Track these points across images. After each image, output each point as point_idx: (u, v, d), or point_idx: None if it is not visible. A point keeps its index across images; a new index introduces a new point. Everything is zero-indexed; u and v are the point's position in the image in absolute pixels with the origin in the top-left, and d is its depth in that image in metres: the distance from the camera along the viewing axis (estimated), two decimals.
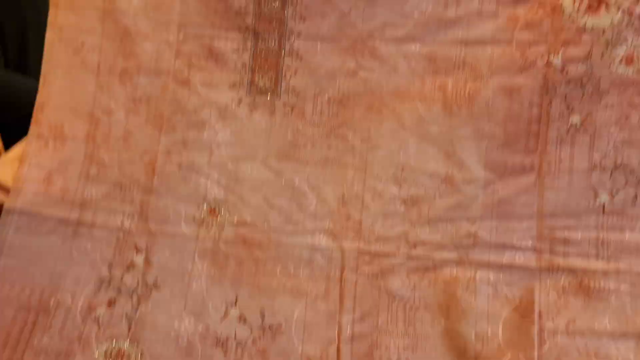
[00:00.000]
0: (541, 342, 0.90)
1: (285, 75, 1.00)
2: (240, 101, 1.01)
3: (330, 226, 0.96)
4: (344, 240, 0.95)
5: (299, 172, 0.98)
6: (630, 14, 0.97)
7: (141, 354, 0.88)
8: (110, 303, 0.90)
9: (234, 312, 0.92)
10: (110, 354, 0.89)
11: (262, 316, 0.92)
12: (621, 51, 0.97)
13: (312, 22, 0.98)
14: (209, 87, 1.02)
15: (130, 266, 0.94)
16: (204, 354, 0.89)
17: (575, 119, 0.97)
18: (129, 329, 0.89)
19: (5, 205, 0.93)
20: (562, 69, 0.97)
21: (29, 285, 0.90)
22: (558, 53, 0.97)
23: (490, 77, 0.98)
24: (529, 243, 0.93)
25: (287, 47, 1.01)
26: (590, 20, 0.98)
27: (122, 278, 0.93)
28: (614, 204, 0.94)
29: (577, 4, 0.99)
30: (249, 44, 1.01)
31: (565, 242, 0.93)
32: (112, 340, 0.89)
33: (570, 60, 0.97)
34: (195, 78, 1.02)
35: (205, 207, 0.98)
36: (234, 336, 0.90)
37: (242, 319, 0.91)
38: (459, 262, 0.93)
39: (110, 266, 0.93)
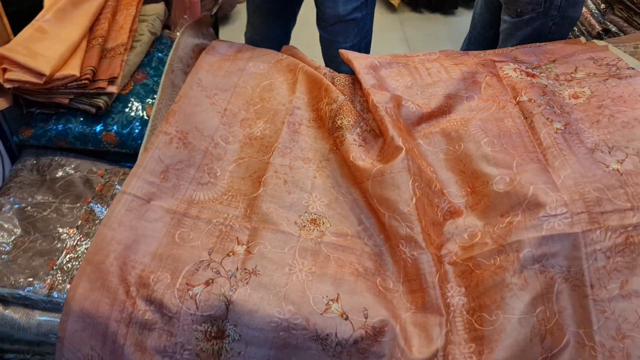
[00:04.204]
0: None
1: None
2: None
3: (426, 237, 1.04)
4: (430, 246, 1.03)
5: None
6: (556, 79, 1.30)
7: (240, 336, 0.91)
8: (208, 283, 0.94)
9: (335, 307, 0.94)
10: (210, 334, 0.93)
11: (365, 315, 0.94)
12: (566, 93, 1.24)
13: None
14: (315, 139, 1.25)
15: (231, 253, 1.01)
16: (302, 346, 0.92)
17: (558, 125, 1.15)
18: (227, 310, 0.91)
19: (122, 187, 1.05)
20: (530, 100, 1.21)
21: (131, 261, 0.97)
22: (521, 95, 1.23)
23: (476, 114, 1.24)
24: (564, 210, 1.00)
25: None
26: (532, 80, 1.28)
27: (221, 262, 0.99)
28: (625, 166, 1.04)
29: (517, 73, 1.31)
30: None
31: (598, 201, 1.00)
32: (211, 321, 0.92)
33: (533, 95, 1.22)
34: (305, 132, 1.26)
35: (307, 217, 1.09)
36: (335, 333, 0.91)
37: (344, 315, 0.93)
38: (500, 251, 1.00)
39: (210, 252, 1.01)
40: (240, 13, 3.05)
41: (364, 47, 1.74)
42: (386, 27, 3.17)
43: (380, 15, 3.28)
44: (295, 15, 1.85)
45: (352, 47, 1.65)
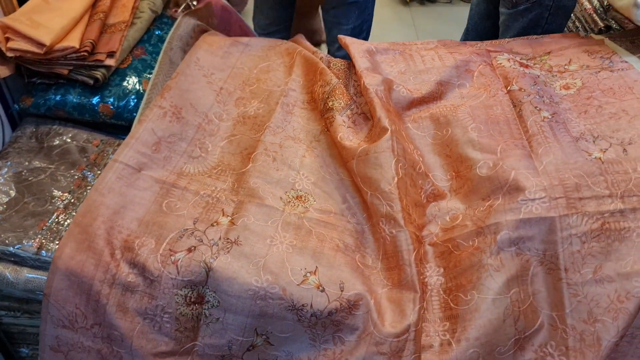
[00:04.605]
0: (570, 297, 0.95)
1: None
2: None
3: (405, 216, 1.05)
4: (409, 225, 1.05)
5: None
6: (549, 70, 1.30)
7: (218, 303, 0.94)
8: (190, 250, 0.97)
9: (313, 279, 0.96)
10: (190, 298, 0.96)
11: (342, 289, 0.97)
12: (557, 84, 1.24)
13: None
14: (308, 120, 1.27)
15: (215, 223, 1.03)
16: (278, 315, 0.94)
17: (545, 113, 1.15)
18: (207, 276, 0.94)
19: (114, 156, 1.08)
20: (520, 89, 1.21)
21: (118, 226, 1.00)
22: (512, 84, 1.23)
23: (466, 101, 1.25)
24: (542, 194, 1.01)
25: None
26: (525, 70, 1.28)
27: (205, 231, 1.01)
28: (607, 155, 1.05)
29: (511, 63, 1.30)
30: None
31: (577, 187, 1.01)
32: (191, 286, 0.95)
33: (524, 85, 1.22)
34: (297, 112, 1.28)
35: (293, 194, 1.11)
36: (310, 304, 0.94)
37: (320, 287, 0.96)
38: (479, 233, 1.02)
39: (195, 221, 1.03)
40: (250, 12, 3.07)
41: (366, 29, 1.77)
42: (395, 20, 3.18)
43: (391, 9, 3.29)
44: None
45: (353, 29, 1.69)
